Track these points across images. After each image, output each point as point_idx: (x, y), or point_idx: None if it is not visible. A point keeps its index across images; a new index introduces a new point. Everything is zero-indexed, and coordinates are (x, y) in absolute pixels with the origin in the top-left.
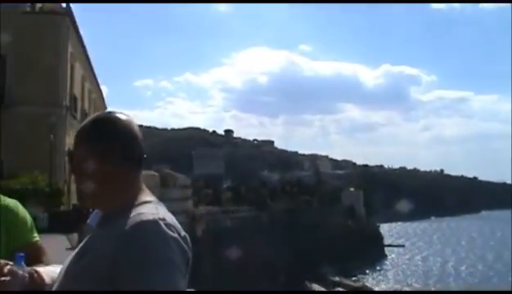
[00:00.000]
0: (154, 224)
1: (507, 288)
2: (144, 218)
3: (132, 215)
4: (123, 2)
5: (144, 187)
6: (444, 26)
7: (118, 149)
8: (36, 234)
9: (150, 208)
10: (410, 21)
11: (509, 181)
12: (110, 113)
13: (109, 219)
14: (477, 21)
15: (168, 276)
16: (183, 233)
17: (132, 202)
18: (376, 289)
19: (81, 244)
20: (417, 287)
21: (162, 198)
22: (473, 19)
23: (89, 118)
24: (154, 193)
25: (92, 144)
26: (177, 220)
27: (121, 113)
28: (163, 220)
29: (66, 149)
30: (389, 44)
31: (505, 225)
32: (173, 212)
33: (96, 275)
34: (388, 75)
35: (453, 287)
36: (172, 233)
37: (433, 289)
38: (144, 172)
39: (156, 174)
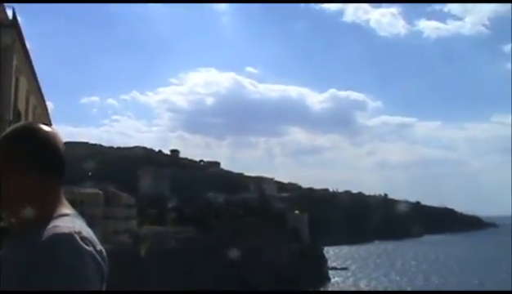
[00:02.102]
0: (68, 237)
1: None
2: (59, 231)
3: (48, 227)
4: (75, 13)
5: (64, 200)
6: (389, 53)
7: (38, 160)
8: None
9: (67, 221)
10: (356, 47)
11: (449, 206)
12: (31, 124)
13: (25, 230)
14: (420, 50)
15: (79, 291)
16: (99, 247)
17: (49, 214)
18: None
19: None
20: None
21: (106, 217)
22: (416, 47)
23: (9, 129)
24: (97, 211)
25: (11, 154)
26: (121, 239)
27: (44, 124)
28: (79, 233)
29: None
30: (336, 69)
31: (441, 249)
32: (117, 232)
33: (8, 285)
34: (335, 99)
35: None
36: (87, 247)
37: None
38: (88, 190)
39: (100, 192)
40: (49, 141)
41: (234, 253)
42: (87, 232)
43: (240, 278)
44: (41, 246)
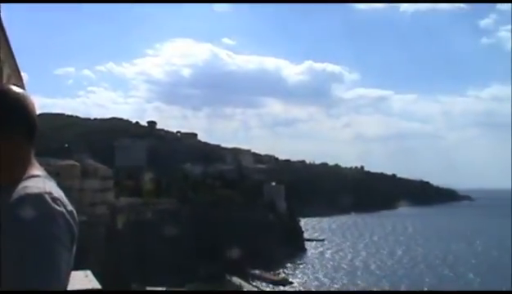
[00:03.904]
0: (38, 197)
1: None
2: (29, 191)
3: (18, 188)
4: None
5: (35, 162)
6: (366, 26)
7: (8, 121)
8: None
9: (37, 182)
10: (334, 19)
11: (425, 179)
12: (3, 85)
13: None
14: (397, 23)
15: (49, 251)
16: (70, 207)
17: (20, 175)
18: (295, 281)
19: None
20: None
21: (82, 189)
22: (393, 20)
23: None
24: (74, 183)
25: None
26: (98, 211)
27: (15, 85)
28: (50, 193)
29: None
30: (313, 41)
31: (416, 221)
32: (94, 203)
33: None
34: (311, 71)
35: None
36: (57, 207)
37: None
38: (65, 162)
39: (77, 164)
40: (19, 103)
41: (210, 224)
42: (58, 192)
43: (214, 251)
44: (11, 206)
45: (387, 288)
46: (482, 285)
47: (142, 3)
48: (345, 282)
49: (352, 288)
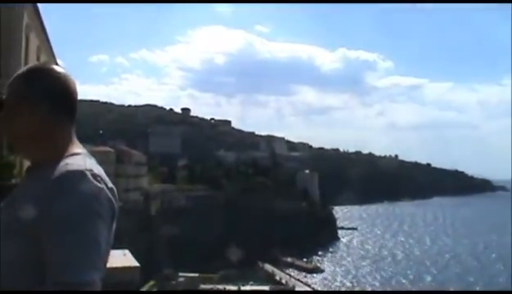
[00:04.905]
0: (80, 174)
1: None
2: (70, 168)
3: (59, 165)
4: None
5: (75, 140)
6: (402, 13)
7: (51, 98)
8: None
9: (78, 159)
10: (368, 6)
11: (459, 169)
12: (44, 64)
13: (37, 169)
14: (433, 10)
15: (90, 227)
16: (110, 184)
17: (61, 153)
18: (327, 269)
19: (10, 195)
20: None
21: (117, 175)
22: (429, 7)
23: (24, 68)
24: (109, 169)
25: (25, 91)
26: (132, 197)
27: (57, 65)
28: (91, 170)
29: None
30: (347, 28)
31: (449, 211)
32: (127, 189)
33: (22, 223)
34: (345, 59)
35: (453, 288)
36: (98, 184)
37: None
38: (99, 148)
39: (111, 150)
40: (60, 81)
41: (243, 212)
42: (99, 170)
43: (247, 238)
44: (53, 182)
45: (411, 278)
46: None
47: None
48: (369, 270)
49: (377, 278)
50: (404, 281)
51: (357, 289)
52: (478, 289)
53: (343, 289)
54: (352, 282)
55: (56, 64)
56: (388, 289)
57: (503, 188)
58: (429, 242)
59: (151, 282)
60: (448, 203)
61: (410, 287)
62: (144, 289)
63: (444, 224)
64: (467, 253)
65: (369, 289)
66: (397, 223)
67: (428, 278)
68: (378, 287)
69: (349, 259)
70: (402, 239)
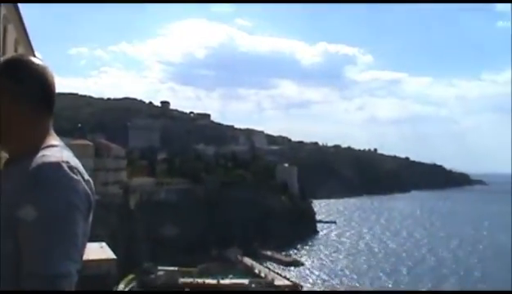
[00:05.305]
0: (56, 166)
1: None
2: (46, 160)
3: (36, 157)
4: None
5: (52, 132)
6: (382, 8)
7: (29, 89)
8: None
9: (55, 151)
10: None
11: (438, 163)
12: (22, 55)
13: (14, 160)
14: (413, 6)
15: (67, 219)
16: (87, 176)
17: (38, 145)
18: (306, 263)
19: None
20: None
21: (96, 168)
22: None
23: (2, 58)
24: (87, 162)
25: (2, 83)
26: (111, 190)
27: (35, 57)
28: (67, 162)
29: None
30: (328, 22)
31: (426, 204)
32: (107, 183)
33: (1, 216)
34: (325, 53)
35: (452, 288)
36: (75, 176)
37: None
38: (78, 141)
39: (90, 143)
40: (38, 73)
41: (222, 205)
42: (75, 162)
43: (226, 231)
44: (29, 174)
45: (388, 271)
46: (482, 269)
47: None
48: (346, 263)
49: (355, 271)
50: (381, 274)
51: (334, 282)
52: (453, 281)
53: (318, 281)
54: (329, 275)
55: (34, 56)
56: (367, 282)
57: (481, 182)
58: (406, 235)
59: (130, 276)
60: (426, 197)
61: (386, 279)
62: (123, 282)
63: (421, 218)
64: (443, 246)
65: (346, 282)
66: (375, 216)
67: (404, 271)
68: (355, 278)
69: (327, 252)
70: (379, 232)
